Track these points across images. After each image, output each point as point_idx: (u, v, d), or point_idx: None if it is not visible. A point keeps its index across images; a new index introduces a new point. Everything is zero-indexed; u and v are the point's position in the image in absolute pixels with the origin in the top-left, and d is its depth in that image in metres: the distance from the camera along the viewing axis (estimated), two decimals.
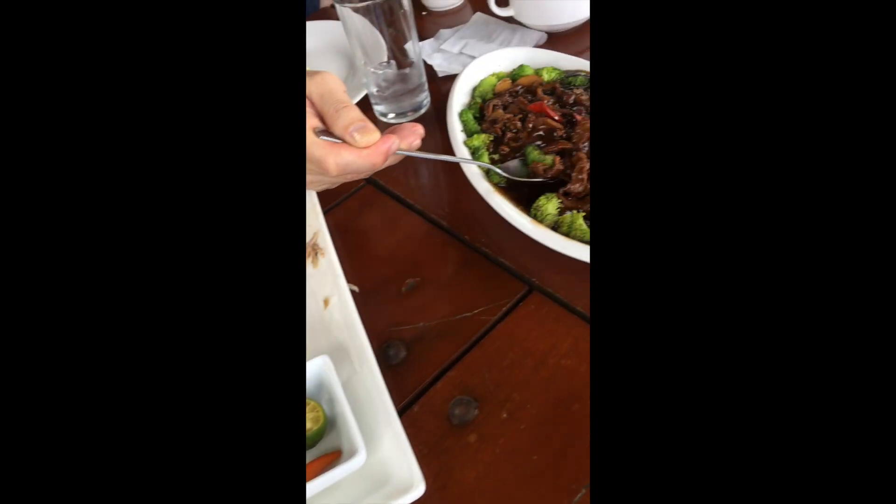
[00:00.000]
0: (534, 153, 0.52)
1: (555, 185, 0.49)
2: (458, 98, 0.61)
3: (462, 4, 0.91)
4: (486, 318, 0.45)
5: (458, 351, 0.43)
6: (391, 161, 0.42)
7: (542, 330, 0.43)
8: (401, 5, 0.60)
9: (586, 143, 0.49)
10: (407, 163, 0.56)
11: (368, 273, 0.51)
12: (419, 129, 0.42)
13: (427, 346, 0.44)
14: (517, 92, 0.59)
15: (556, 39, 0.77)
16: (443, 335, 0.45)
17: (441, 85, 0.74)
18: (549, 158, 0.50)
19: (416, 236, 0.54)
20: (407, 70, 0.66)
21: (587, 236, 0.44)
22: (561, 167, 0.49)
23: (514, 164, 0.53)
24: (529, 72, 0.62)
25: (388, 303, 0.48)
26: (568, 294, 0.45)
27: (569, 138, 0.51)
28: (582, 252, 0.42)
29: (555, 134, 0.53)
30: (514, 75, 0.62)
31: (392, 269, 0.51)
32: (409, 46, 0.64)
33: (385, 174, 0.55)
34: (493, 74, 0.63)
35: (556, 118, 0.54)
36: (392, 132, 0.41)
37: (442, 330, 0.45)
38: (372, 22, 0.61)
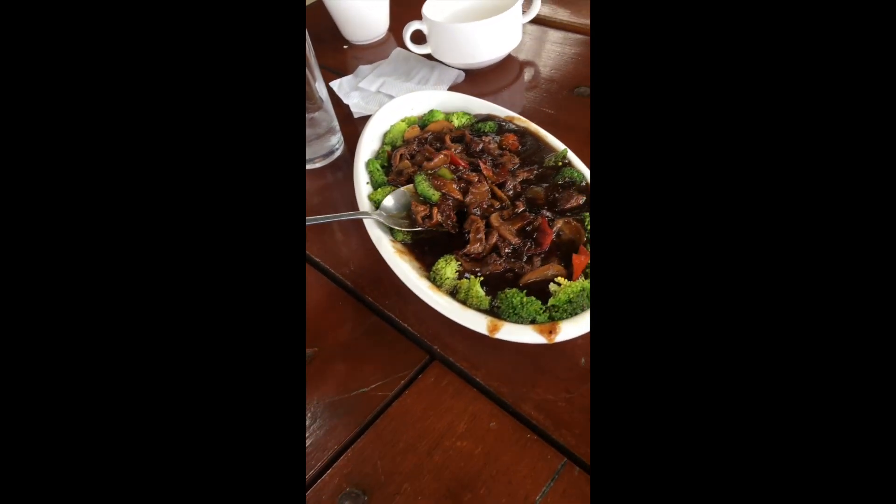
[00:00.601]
0: (423, 184, 0.49)
1: (449, 241, 0.47)
2: (367, 145, 0.58)
3: (385, 37, 0.89)
4: (383, 394, 0.42)
5: (351, 434, 0.40)
6: None
7: (439, 407, 0.41)
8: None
9: (478, 209, 0.48)
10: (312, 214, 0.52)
11: None
12: None
13: (319, 428, 0.41)
14: (426, 139, 0.57)
15: (474, 76, 0.75)
16: (337, 415, 0.42)
17: (358, 125, 0.71)
18: (435, 195, 0.48)
19: (319, 298, 0.51)
20: (314, 114, 0.63)
21: (484, 304, 0.42)
22: (439, 219, 0.47)
23: (399, 193, 0.51)
24: (440, 117, 0.60)
25: None
26: (469, 361, 0.43)
27: (465, 191, 0.49)
28: (478, 323, 0.40)
29: (459, 170, 0.51)
30: (424, 121, 0.60)
31: None
32: (318, 86, 0.61)
33: None
34: (403, 120, 0.61)
35: (463, 166, 0.52)
36: None
37: (337, 409, 0.42)
38: None
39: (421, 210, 0.48)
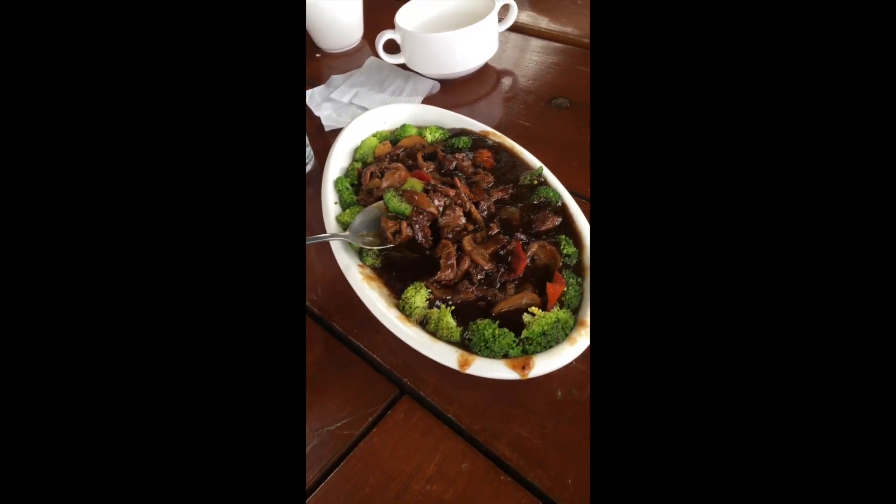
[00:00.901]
0: (393, 200, 0.47)
1: (419, 266, 0.45)
2: (337, 162, 0.56)
3: (359, 45, 0.87)
4: (349, 433, 0.40)
5: (315, 477, 0.38)
6: None
7: (408, 446, 0.38)
8: None
9: (450, 233, 0.45)
10: None
11: None
12: None
13: None
14: (398, 156, 0.55)
15: (450, 87, 0.73)
16: None
17: (330, 138, 0.69)
18: (407, 209, 0.46)
19: None
20: None
21: (455, 335, 0.39)
22: (409, 234, 0.45)
23: (368, 211, 0.49)
24: (412, 132, 0.58)
25: None
26: (441, 396, 0.41)
27: (442, 209, 0.47)
28: (448, 357, 0.38)
29: (429, 186, 0.49)
30: (396, 136, 0.58)
31: None
32: None
33: None
34: (374, 135, 0.59)
35: (435, 182, 0.50)
36: None
37: None
38: None
39: (391, 226, 0.46)
